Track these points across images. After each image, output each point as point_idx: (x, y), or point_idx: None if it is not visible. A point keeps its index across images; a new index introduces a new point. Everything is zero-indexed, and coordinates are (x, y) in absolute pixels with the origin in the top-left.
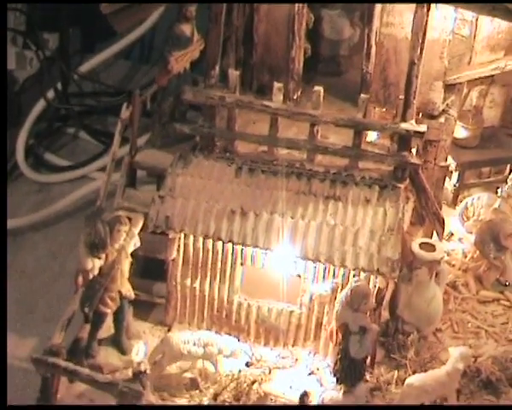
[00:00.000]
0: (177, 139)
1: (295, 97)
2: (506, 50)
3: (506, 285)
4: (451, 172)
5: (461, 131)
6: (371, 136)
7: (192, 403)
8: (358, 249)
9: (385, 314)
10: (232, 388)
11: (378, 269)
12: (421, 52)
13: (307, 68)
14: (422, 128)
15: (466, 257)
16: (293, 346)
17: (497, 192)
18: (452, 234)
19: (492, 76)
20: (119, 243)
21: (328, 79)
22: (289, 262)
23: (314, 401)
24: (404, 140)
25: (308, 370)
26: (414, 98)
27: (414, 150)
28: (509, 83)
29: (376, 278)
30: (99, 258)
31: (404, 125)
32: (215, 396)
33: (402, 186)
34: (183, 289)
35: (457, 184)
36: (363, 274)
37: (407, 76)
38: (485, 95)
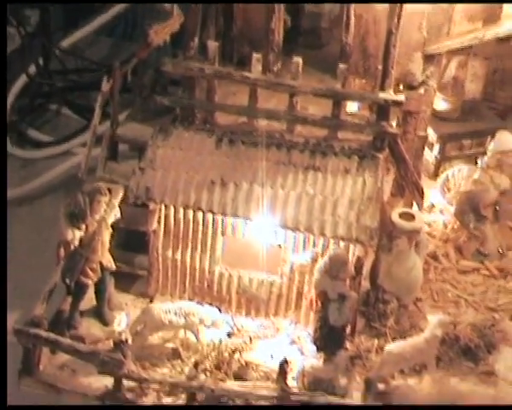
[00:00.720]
0: (158, 112)
1: (275, 69)
2: (484, 20)
3: (486, 255)
4: (432, 144)
5: (441, 104)
6: (352, 107)
7: (174, 373)
8: (337, 218)
9: (366, 284)
10: (213, 357)
11: (357, 238)
12: (398, 21)
13: (288, 41)
14: (400, 98)
15: (446, 228)
16: (274, 316)
17: (476, 163)
18: (433, 206)
19: (471, 46)
20: (99, 213)
21: (309, 51)
22: (269, 232)
23: (294, 369)
24: (382, 110)
25: (289, 339)
26: (392, 68)
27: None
28: (491, 56)
29: (355, 246)
30: (79, 229)
31: (382, 95)
32: (196, 365)
33: (381, 156)
34: (164, 261)
35: (438, 157)
36: (342, 243)
37: (385, 45)
38: (465, 65)
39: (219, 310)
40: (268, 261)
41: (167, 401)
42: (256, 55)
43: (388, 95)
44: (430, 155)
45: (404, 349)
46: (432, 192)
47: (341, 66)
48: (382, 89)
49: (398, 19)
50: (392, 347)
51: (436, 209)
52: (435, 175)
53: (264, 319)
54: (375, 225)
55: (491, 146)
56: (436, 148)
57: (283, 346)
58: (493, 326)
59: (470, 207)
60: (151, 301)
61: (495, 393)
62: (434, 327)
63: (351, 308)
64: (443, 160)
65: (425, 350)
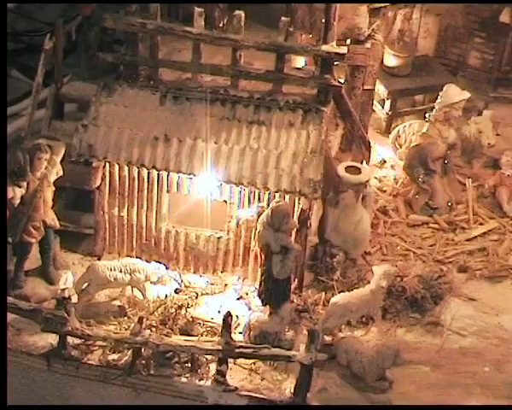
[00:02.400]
0: (104, 71)
1: (221, 25)
2: None
3: (435, 209)
4: (384, 100)
5: (392, 60)
6: (299, 62)
7: (120, 330)
8: (281, 172)
9: (314, 238)
10: (159, 313)
11: (300, 190)
12: None
13: None
14: (343, 50)
15: (397, 183)
16: (222, 272)
17: (425, 117)
18: (385, 161)
19: None
20: (40, 171)
21: (256, 6)
22: (214, 188)
23: (242, 323)
24: (325, 63)
25: (237, 295)
26: (334, 20)
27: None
28: (443, 12)
29: (299, 199)
30: (19, 186)
31: (324, 48)
32: (140, 320)
33: (325, 109)
34: (110, 219)
35: (390, 112)
36: (288, 196)
37: None
38: (410, 18)
39: (167, 267)
40: (214, 217)
41: (113, 357)
42: (198, 10)
43: (330, 47)
44: (381, 111)
45: (349, 301)
46: (383, 148)
47: (283, 19)
48: (325, 41)
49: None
50: (338, 299)
51: (387, 165)
52: (387, 131)
53: (212, 275)
54: (318, 177)
55: (439, 100)
56: (387, 104)
57: (231, 301)
58: (440, 278)
59: (419, 162)
60: (98, 260)
61: (440, 343)
62: (379, 278)
63: (294, 260)
64: (394, 116)
65: (371, 301)
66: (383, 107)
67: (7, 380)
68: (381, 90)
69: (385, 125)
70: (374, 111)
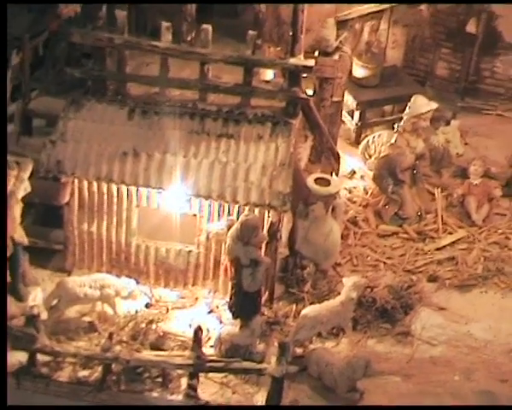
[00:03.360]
0: (72, 86)
1: (189, 39)
2: None
3: (404, 219)
4: (353, 111)
5: (360, 71)
6: (268, 75)
7: (90, 346)
8: (250, 185)
9: (285, 250)
10: (130, 328)
11: (269, 203)
12: None
13: (202, 10)
14: (310, 63)
15: (367, 193)
16: (192, 285)
17: (393, 128)
18: (354, 172)
19: (382, 11)
20: (7, 188)
21: (225, 20)
22: (184, 202)
23: (213, 337)
24: (293, 75)
25: (208, 308)
26: (301, 33)
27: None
28: (411, 23)
29: (268, 212)
30: None
31: (292, 61)
32: (110, 336)
33: (294, 122)
34: (80, 235)
35: (359, 123)
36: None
37: (293, 11)
38: (377, 30)
39: (137, 282)
40: (184, 231)
41: (83, 373)
42: (165, 24)
43: (298, 60)
44: (351, 122)
45: (319, 313)
46: (353, 158)
47: (251, 33)
48: (292, 54)
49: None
50: (308, 311)
51: (357, 175)
52: (356, 142)
53: (183, 289)
54: (287, 190)
55: (407, 110)
56: (356, 115)
57: (202, 315)
58: (410, 288)
59: (388, 172)
60: (68, 276)
61: (411, 352)
62: (349, 290)
63: (264, 273)
64: (364, 126)
65: (341, 313)
66: (352, 118)
67: (7, 380)
68: (350, 101)
69: (354, 136)
70: (343, 122)
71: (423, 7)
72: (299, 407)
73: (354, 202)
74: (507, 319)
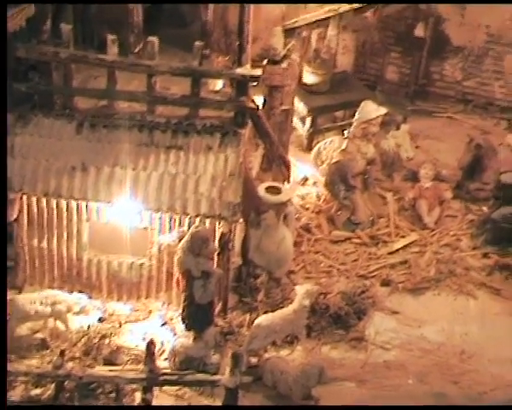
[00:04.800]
0: (18, 100)
1: (137, 50)
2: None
3: (357, 224)
4: (304, 117)
5: (311, 77)
6: (217, 84)
7: (42, 363)
8: (200, 196)
9: (238, 260)
10: (83, 344)
11: (220, 214)
12: None
13: (150, 21)
14: (257, 72)
15: (320, 200)
16: (146, 298)
17: (343, 134)
18: (307, 178)
19: (329, 18)
20: None
21: (174, 30)
22: (134, 215)
23: (167, 350)
24: (241, 85)
25: (161, 320)
26: (248, 43)
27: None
28: (360, 28)
29: (219, 222)
30: None
31: (239, 70)
32: (62, 353)
33: (243, 131)
34: (30, 251)
35: (311, 130)
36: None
37: (239, 21)
38: (324, 37)
39: (90, 296)
40: (136, 244)
41: (35, 392)
42: (111, 37)
43: (245, 70)
44: (303, 129)
45: (272, 322)
46: (305, 165)
47: (197, 43)
48: (239, 64)
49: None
50: (261, 320)
51: (310, 182)
52: (308, 148)
53: (136, 302)
54: (237, 200)
55: (356, 116)
56: (308, 121)
57: (156, 327)
58: (363, 293)
59: (339, 178)
60: (19, 292)
61: (365, 357)
62: (302, 298)
63: (217, 284)
64: (315, 133)
65: (294, 321)
66: (304, 124)
67: (6, 380)
68: (301, 107)
69: (306, 143)
70: (294, 129)
71: (369, 13)
72: (299, 406)
73: (307, 209)
74: (459, 320)
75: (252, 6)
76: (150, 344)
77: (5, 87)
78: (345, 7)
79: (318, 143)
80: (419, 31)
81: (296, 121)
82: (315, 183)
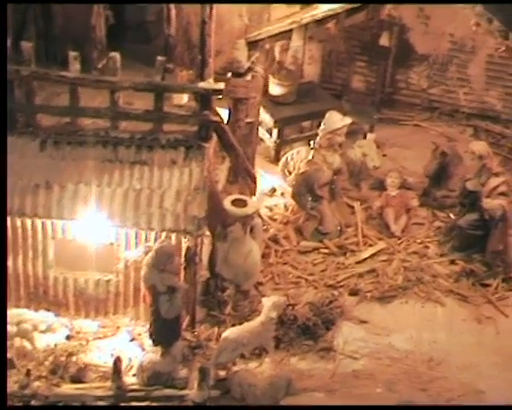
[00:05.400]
0: None
1: (100, 66)
2: (302, 4)
3: (325, 234)
4: (271, 128)
5: (276, 89)
6: (183, 99)
7: (9, 383)
8: (165, 211)
9: (206, 273)
10: (50, 362)
11: (185, 228)
12: (211, 10)
13: (114, 36)
14: (220, 86)
15: (287, 211)
16: (114, 314)
17: (309, 144)
18: (275, 189)
19: (291, 30)
20: None
21: (137, 46)
22: (100, 231)
23: (135, 365)
24: (204, 99)
25: (129, 336)
26: (210, 57)
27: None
28: (326, 38)
29: (184, 237)
30: None
31: (202, 84)
32: (28, 373)
33: (207, 145)
34: None
35: (278, 141)
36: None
37: (200, 36)
38: (287, 49)
39: (57, 314)
40: (102, 261)
41: None
42: (72, 54)
43: (208, 84)
44: (270, 140)
45: (240, 335)
46: (273, 176)
47: (159, 58)
48: (203, 79)
49: (211, 8)
50: (228, 333)
51: (277, 193)
52: (276, 159)
53: (104, 318)
54: (202, 214)
55: (322, 127)
56: (275, 132)
57: (124, 343)
58: (331, 303)
59: (306, 189)
60: None
61: (333, 367)
62: (269, 310)
63: (184, 298)
64: (282, 143)
65: (262, 333)
66: (271, 135)
67: (6, 380)
68: (267, 119)
69: (274, 154)
70: (262, 140)
71: (330, 24)
72: (298, 406)
73: (275, 220)
74: (427, 328)
75: (213, 20)
76: (117, 361)
77: (5, 89)
78: (307, 18)
79: (286, 153)
80: (384, 40)
81: (263, 133)
82: (283, 194)
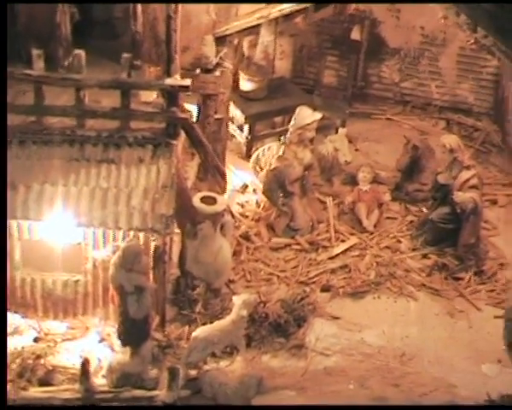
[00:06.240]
0: None
1: (66, 64)
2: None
3: (296, 230)
4: (242, 125)
5: (247, 84)
6: (151, 96)
7: None
8: (132, 209)
9: (177, 271)
10: (17, 365)
11: (152, 227)
12: (176, 5)
13: (80, 33)
14: (187, 82)
15: (259, 207)
16: (82, 315)
17: (279, 140)
18: (247, 186)
19: (259, 25)
20: None
21: (105, 42)
22: (67, 231)
23: (105, 366)
24: (171, 96)
25: (99, 337)
26: (176, 53)
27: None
28: (297, 33)
29: (153, 235)
30: None
31: (168, 81)
32: None
33: (175, 142)
34: None
35: (249, 137)
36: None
37: (166, 31)
38: (255, 44)
39: (24, 316)
40: (70, 261)
41: None
42: (36, 52)
43: (174, 80)
44: (241, 136)
45: (210, 333)
46: (245, 172)
47: (125, 55)
48: (168, 74)
49: (176, 3)
50: (199, 332)
51: (249, 189)
52: (247, 155)
53: (73, 319)
54: (170, 212)
55: (292, 122)
56: (246, 128)
57: (93, 344)
58: (303, 300)
59: (277, 185)
60: None
61: (305, 365)
62: (239, 308)
63: (154, 297)
64: (254, 139)
65: (233, 331)
66: (242, 131)
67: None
68: (238, 115)
69: (245, 150)
70: (233, 137)
71: (299, 19)
72: (298, 406)
73: (246, 217)
74: (399, 323)
75: (179, 15)
76: (85, 363)
77: (5, 89)
78: (275, 13)
79: (257, 149)
80: (355, 34)
81: (234, 129)
82: (254, 190)
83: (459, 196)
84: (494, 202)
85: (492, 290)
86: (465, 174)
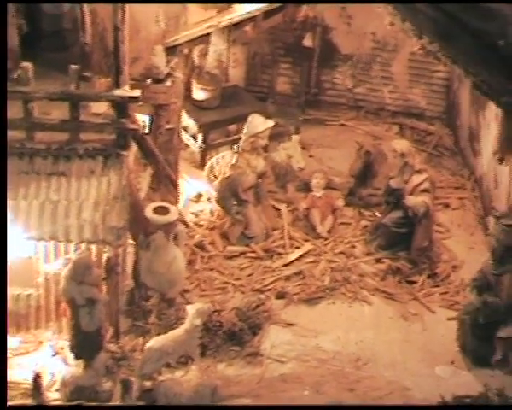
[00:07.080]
0: None
1: (15, 76)
2: (219, 8)
3: (251, 238)
4: (196, 134)
5: (200, 93)
6: (101, 107)
7: None
8: (83, 222)
9: (131, 282)
10: None
11: (103, 239)
12: (123, 16)
13: (29, 45)
14: (136, 93)
15: (214, 216)
16: (35, 329)
17: (232, 148)
18: (201, 195)
19: (209, 34)
20: None
21: (54, 54)
22: (17, 245)
23: (59, 380)
24: (120, 107)
25: (52, 351)
26: (124, 64)
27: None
28: (249, 41)
29: (105, 247)
30: None
31: (117, 92)
32: None
33: (126, 153)
34: None
35: (203, 146)
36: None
37: (114, 43)
38: (206, 54)
39: None
40: (21, 275)
41: None
42: None
43: (123, 91)
44: (195, 145)
45: (164, 344)
46: (199, 181)
47: (73, 67)
48: (118, 86)
49: (123, 13)
50: (152, 343)
51: (204, 198)
52: (202, 164)
53: (26, 333)
54: (121, 224)
55: (244, 130)
56: (199, 137)
57: (47, 358)
58: (258, 307)
59: (230, 193)
60: None
61: (261, 372)
62: (193, 317)
63: (103, 311)
64: (208, 148)
65: (187, 341)
66: (196, 140)
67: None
68: (191, 124)
69: (199, 159)
70: (187, 146)
71: (248, 27)
72: (298, 406)
73: (201, 226)
74: (354, 327)
75: (127, 26)
76: (36, 377)
77: (5, 90)
78: (224, 22)
79: (211, 158)
80: (307, 41)
81: (188, 138)
82: (209, 199)
83: (411, 200)
84: (447, 205)
85: (446, 293)
86: (416, 178)
